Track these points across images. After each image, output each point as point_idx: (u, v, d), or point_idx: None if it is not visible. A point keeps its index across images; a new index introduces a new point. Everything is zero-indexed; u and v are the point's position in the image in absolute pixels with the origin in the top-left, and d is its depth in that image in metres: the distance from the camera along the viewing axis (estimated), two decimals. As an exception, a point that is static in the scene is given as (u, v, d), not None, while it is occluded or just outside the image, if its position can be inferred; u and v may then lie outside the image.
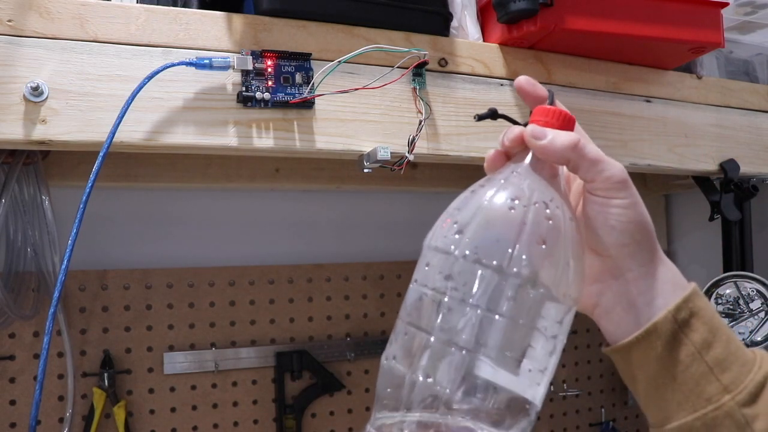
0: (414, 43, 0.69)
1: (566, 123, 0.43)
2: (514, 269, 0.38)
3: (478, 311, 0.38)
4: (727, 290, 0.89)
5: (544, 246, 0.39)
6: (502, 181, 0.41)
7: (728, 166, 0.88)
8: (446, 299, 0.38)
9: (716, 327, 0.43)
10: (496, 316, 0.38)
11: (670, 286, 0.44)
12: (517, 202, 0.40)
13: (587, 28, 0.71)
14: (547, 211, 0.40)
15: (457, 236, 0.39)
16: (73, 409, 0.92)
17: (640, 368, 0.44)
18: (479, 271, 0.38)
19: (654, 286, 0.43)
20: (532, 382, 0.39)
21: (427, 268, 0.41)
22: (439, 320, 0.38)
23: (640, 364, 0.43)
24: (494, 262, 0.38)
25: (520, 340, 0.38)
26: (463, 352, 0.37)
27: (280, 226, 1.12)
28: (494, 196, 0.40)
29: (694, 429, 0.42)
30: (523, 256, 0.38)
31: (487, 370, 0.37)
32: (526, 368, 0.38)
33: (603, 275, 0.44)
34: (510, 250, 0.38)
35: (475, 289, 0.38)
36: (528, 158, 0.43)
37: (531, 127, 0.43)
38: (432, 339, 0.38)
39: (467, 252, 0.38)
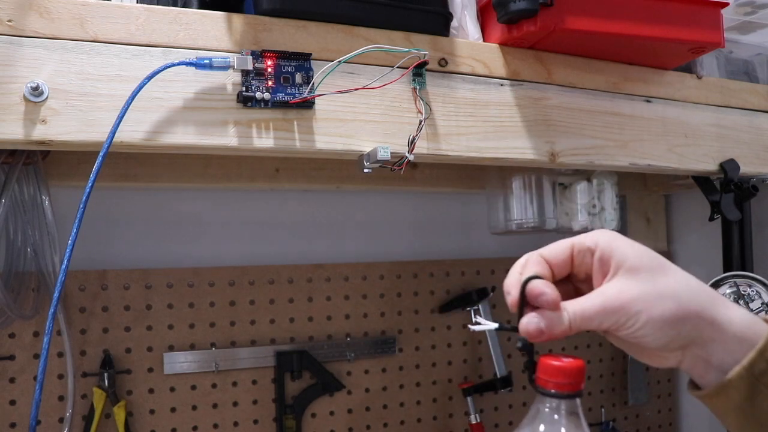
0: (414, 43, 0.69)
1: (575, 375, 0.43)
2: None
3: None
4: (727, 290, 0.89)
5: None
6: None
7: (728, 166, 0.88)
8: None
9: None
10: None
11: (741, 333, 0.44)
12: None
13: (587, 28, 0.71)
14: None
15: None
16: (73, 409, 0.92)
17: (723, 415, 0.45)
18: None
19: (722, 342, 0.44)
20: None
21: None
22: None
23: (721, 412, 0.45)
24: None
25: None
26: None
27: (280, 226, 1.12)
28: None
29: None
30: None
31: None
32: None
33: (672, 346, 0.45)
34: None
35: None
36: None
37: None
38: None
39: None
